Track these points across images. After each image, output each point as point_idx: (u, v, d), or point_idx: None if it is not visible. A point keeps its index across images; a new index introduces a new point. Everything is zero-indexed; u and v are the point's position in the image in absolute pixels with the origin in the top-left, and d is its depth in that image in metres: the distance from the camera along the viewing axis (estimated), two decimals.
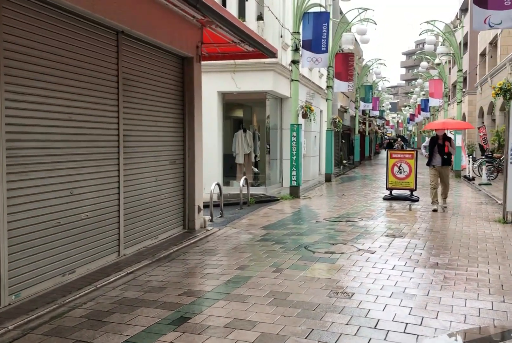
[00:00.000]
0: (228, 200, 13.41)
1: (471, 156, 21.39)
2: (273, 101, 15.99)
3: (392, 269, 5.77)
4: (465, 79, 42.29)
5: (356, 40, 36.21)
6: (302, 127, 13.99)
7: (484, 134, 24.94)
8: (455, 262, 6.09)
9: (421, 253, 6.56)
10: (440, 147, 10.66)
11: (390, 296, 4.76)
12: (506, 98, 8.81)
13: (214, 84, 14.34)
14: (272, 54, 8.77)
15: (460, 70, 20.16)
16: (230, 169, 15.32)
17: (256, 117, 16.21)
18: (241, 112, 16.99)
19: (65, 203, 5.24)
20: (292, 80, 13.51)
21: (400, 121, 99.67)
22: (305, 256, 6.31)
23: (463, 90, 39.01)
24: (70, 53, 5.31)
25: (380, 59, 29.34)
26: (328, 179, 19.02)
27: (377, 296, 4.78)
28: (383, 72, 33.44)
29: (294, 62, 13.30)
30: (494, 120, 28.88)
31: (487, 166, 17.91)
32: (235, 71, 14.06)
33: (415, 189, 12.72)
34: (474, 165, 19.93)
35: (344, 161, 28.09)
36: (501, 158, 19.70)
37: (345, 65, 19.21)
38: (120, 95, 6.29)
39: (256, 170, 15.49)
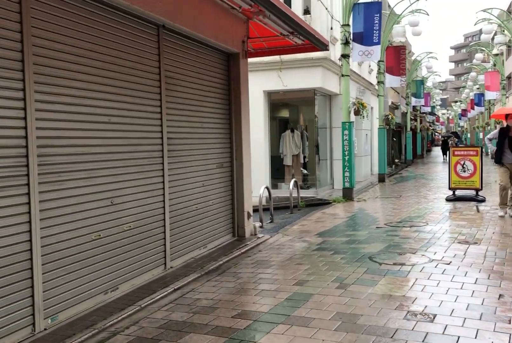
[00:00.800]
0: (277, 204, 12.82)
1: None
2: (321, 99, 15.29)
3: (475, 283, 5.00)
4: None
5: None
6: (353, 125, 13.24)
7: None
8: None
9: (505, 263, 5.75)
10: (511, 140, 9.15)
11: (480, 319, 4.03)
12: None
13: (260, 83, 13.79)
14: (324, 46, 8.11)
15: None
16: (277, 171, 14.72)
17: (304, 116, 15.55)
18: (288, 112, 16.38)
19: (105, 214, 4.77)
20: (342, 76, 12.78)
21: (451, 117, 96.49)
22: (371, 269, 5.62)
23: None
24: (108, 50, 4.84)
25: (431, 53, 28.07)
26: (381, 179, 18.12)
27: (464, 318, 4.05)
28: (433, 66, 32.02)
29: (344, 56, 12.57)
30: None
31: None
32: (281, 68, 13.46)
33: (481, 189, 11.74)
34: None
35: (396, 160, 26.99)
36: None
37: (397, 58, 18.27)
38: (163, 95, 5.80)
39: (305, 171, 14.82)
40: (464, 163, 11.70)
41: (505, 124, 9.55)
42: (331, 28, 14.03)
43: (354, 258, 6.16)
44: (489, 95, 26.30)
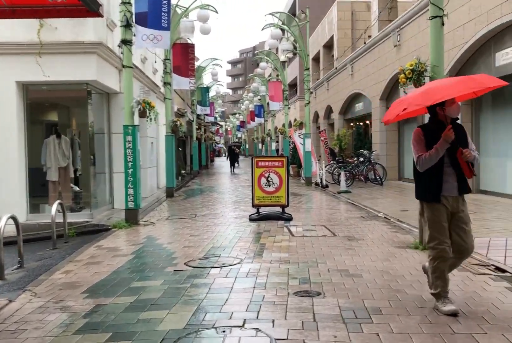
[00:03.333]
0: (36, 234, 9.55)
1: (320, 162, 19.92)
2: (98, 98, 12.32)
3: None
4: (295, 85, 42.39)
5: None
6: (138, 130, 10.67)
7: (325, 139, 23.97)
8: None
9: (379, 335, 3.78)
10: (452, 149, 4.24)
11: None
12: (420, 82, 6.56)
13: (9, 72, 10.30)
14: (95, 5, 5.37)
15: (307, 69, 18.52)
16: (42, 188, 11.28)
17: (76, 119, 12.38)
18: (55, 113, 12.98)
19: None
20: (124, 67, 10.08)
21: (229, 129, 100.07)
22: None
23: (296, 95, 38.82)
24: None
25: (216, 59, 26.98)
26: (170, 194, 15.79)
27: None
28: (218, 75, 31.36)
29: (126, 42, 9.91)
30: (332, 124, 28.41)
31: (345, 172, 16.32)
32: (41, 53, 10.18)
33: (287, 205, 10.20)
34: (321, 172, 18.31)
35: (183, 171, 25.08)
36: (355, 163, 18.48)
37: (185, 57, 16.24)
38: None
39: (77, 188, 11.63)
40: (269, 176, 10.03)
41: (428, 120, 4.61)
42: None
43: None
44: (273, 105, 26.21)
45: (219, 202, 14.00)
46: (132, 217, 10.01)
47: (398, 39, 16.55)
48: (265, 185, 10.01)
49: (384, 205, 12.07)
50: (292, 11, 38.35)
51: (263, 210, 10.22)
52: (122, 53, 10.11)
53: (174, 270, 5.98)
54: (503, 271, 5.68)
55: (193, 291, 5.05)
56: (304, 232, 8.51)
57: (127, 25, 9.86)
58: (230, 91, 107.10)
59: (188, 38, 17.15)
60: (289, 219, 9.84)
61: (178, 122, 16.00)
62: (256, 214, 10.02)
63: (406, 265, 6.02)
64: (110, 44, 11.43)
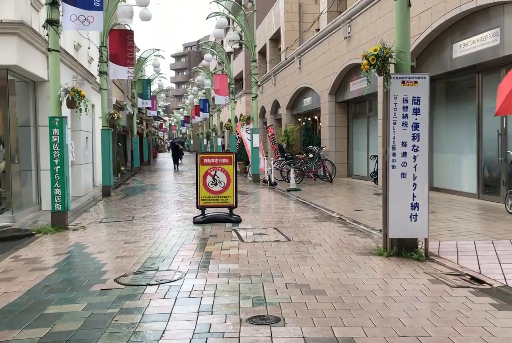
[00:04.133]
0: None
1: (268, 158, 19.18)
2: (23, 87, 10.96)
3: None
4: (241, 79, 41.47)
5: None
6: (68, 123, 9.47)
7: (272, 134, 23.27)
8: None
9: None
10: None
11: None
12: (385, 69, 5.83)
13: None
14: None
15: (255, 60, 17.65)
16: None
17: None
18: None
19: None
20: (49, 50, 8.85)
21: (173, 124, 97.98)
22: None
23: (242, 90, 37.93)
24: None
25: (158, 50, 25.64)
26: (106, 193, 14.56)
27: None
28: (160, 67, 30.06)
29: (51, 22, 8.68)
30: (279, 120, 27.74)
31: (294, 169, 15.60)
32: None
33: (236, 206, 9.32)
34: (269, 168, 17.56)
35: (123, 168, 23.70)
36: (305, 159, 17.82)
37: (124, 45, 14.97)
38: None
39: None
40: (215, 174, 9.11)
41: None
42: None
43: None
44: (219, 99, 25.20)
45: (160, 202, 12.94)
46: (59, 221, 8.83)
47: (349, 31, 15.96)
48: (211, 184, 9.08)
49: (337, 204, 11.41)
50: (239, 0, 37.40)
51: (209, 212, 9.30)
52: (47, 35, 8.88)
53: (101, 289, 4.96)
54: (480, 281, 5.04)
55: (122, 320, 4.07)
56: (255, 236, 7.65)
57: (53, 3, 8.65)
58: (174, 86, 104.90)
59: (126, 24, 15.91)
60: (237, 221, 8.97)
61: (116, 115, 14.74)
62: (201, 216, 9.07)
63: (373, 276, 5.28)
64: (36, 26, 10.13)
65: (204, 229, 8.46)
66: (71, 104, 8.97)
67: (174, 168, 28.70)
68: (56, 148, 8.78)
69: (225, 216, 9.04)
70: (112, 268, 5.85)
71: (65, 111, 9.48)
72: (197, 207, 9.16)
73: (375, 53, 5.96)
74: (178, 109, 79.09)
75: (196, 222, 8.97)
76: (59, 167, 8.78)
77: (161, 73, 34.25)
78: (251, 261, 6.00)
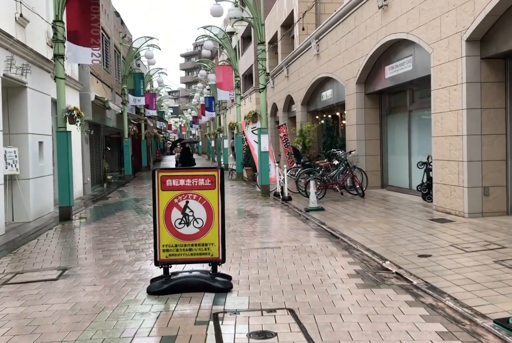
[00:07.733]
0: None
1: (280, 165, 15.41)
2: None
3: None
4: (250, 76, 37.67)
5: (122, 21, 28.42)
6: None
7: (285, 135, 19.37)
8: None
9: None
10: None
11: None
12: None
13: None
14: None
15: (262, 42, 13.85)
16: None
17: None
18: None
19: None
20: None
21: (183, 125, 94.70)
22: None
23: (252, 87, 34.14)
24: None
25: (152, 38, 22.01)
26: (65, 216, 10.84)
27: None
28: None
29: None
30: (293, 118, 23.85)
31: (315, 180, 11.72)
32: None
33: (223, 260, 5.46)
34: (282, 177, 13.82)
35: (109, 177, 20.03)
36: (327, 167, 13.98)
37: (86, 19, 11.22)
38: None
39: None
40: (186, 206, 5.30)
41: None
42: None
43: None
44: (222, 94, 21.47)
45: (127, 234, 9.16)
46: None
47: None
48: (180, 224, 5.28)
49: (382, 237, 7.58)
50: None
51: (178, 270, 5.51)
52: None
53: None
54: None
55: None
56: (254, 340, 3.83)
57: None
58: (184, 86, 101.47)
59: None
60: (225, 289, 5.15)
61: (75, 111, 10.99)
62: (163, 280, 5.25)
63: None
64: None
65: (160, 312, 4.64)
66: None
67: None
68: None
69: (203, 279, 5.20)
70: None
71: None
72: (156, 263, 5.31)
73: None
74: (187, 109, 75.51)
75: (153, 291, 5.15)
76: None
77: (161, 68, 30.65)
78: None
